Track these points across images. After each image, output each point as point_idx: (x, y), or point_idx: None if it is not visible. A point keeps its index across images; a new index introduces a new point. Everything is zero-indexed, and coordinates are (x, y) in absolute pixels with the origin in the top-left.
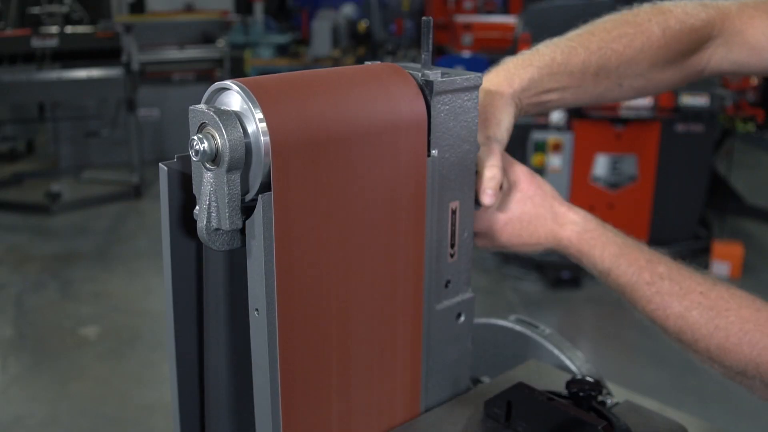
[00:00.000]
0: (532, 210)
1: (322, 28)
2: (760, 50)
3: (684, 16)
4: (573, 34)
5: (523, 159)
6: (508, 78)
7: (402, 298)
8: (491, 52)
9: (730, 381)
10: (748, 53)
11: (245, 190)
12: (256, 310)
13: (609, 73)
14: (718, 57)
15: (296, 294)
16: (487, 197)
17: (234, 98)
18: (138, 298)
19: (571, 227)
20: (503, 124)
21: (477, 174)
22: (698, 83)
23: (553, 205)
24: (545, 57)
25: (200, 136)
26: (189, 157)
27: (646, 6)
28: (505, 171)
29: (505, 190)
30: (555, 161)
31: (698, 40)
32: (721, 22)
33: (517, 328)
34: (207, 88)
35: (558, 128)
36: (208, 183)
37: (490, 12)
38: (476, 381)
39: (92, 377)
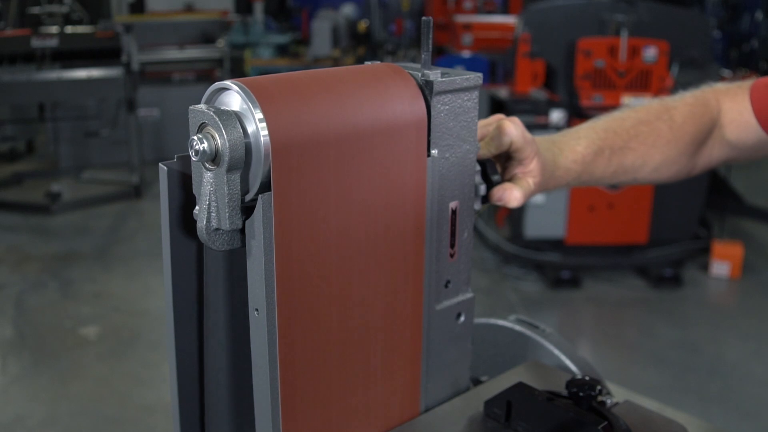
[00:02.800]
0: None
1: (322, 28)
2: (746, 125)
3: (686, 109)
4: (601, 129)
5: None
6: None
7: (402, 298)
8: (491, 52)
9: (730, 381)
10: (738, 131)
11: (245, 190)
12: (256, 310)
13: (626, 170)
14: (718, 141)
15: (296, 294)
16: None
17: (234, 98)
18: (138, 298)
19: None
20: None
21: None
22: (697, 82)
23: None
24: (578, 163)
25: (200, 136)
26: (189, 157)
27: (654, 102)
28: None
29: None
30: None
31: (703, 129)
32: (717, 105)
33: (517, 328)
34: (207, 88)
35: (558, 128)
36: (208, 183)
37: (490, 12)
38: (476, 381)
39: (92, 377)
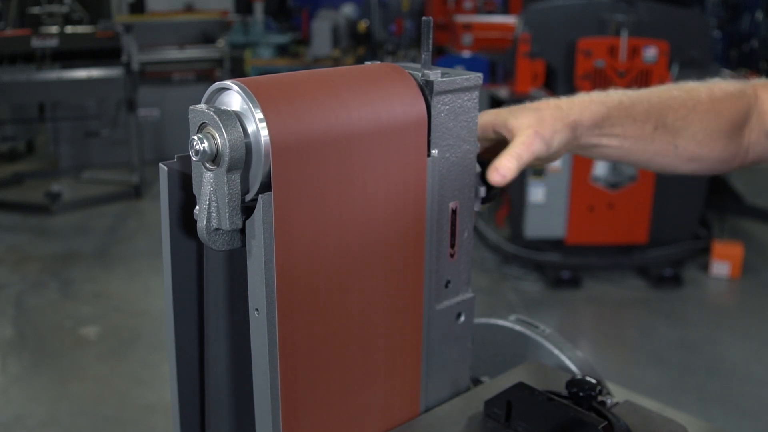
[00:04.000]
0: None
1: (322, 28)
2: None
3: (724, 85)
4: (632, 91)
5: None
6: (581, 109)
7: (402, 298)
8: (491, 52)
9: (730, 381)
10: None
11: (245, 190)
12: (256, 310)
13: (666, 127)
14: (756, 133)
15: (296, 294)
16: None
17: (234, 98)
18: (138, 298)
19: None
20: (556, 138)
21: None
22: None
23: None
24: (614, 99)
25: (200, 136)
26: (189, 157)
27: (690, 81)
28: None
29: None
30: (555, 161)
31: (741, 110)
32: (754, 95)
33: (517, 328)
34: (207, 88)
35: None
36: (208, 183)
37: (490, 12)
38: (476, 381)
39: (92, 377)
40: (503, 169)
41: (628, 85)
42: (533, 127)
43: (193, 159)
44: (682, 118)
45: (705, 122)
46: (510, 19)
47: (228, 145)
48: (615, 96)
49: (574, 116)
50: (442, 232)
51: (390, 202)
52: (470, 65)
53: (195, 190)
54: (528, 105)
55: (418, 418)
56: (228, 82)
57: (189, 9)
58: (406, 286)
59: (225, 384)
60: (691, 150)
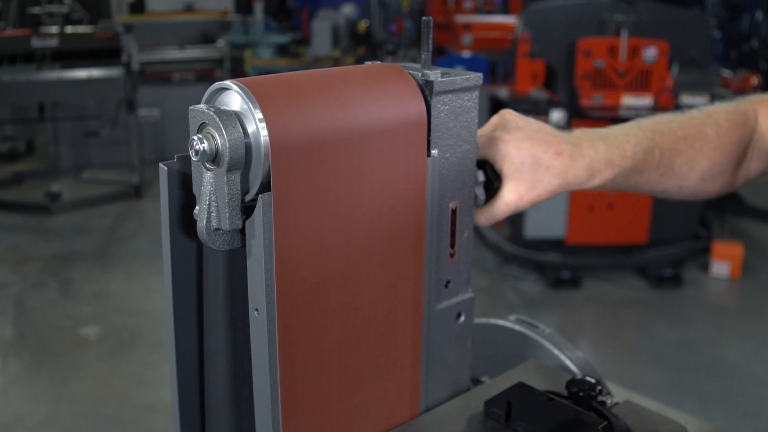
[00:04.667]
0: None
1: (322, 28)
2: None
3: (728, 116)
4: (649, 128)
5: None
6: (588, 176)
7: (402, 298)
8: (491, 52)
9: (730, 381)
10: None
11: (245, 190)
12: (256, 310)
13: (674, 173)
14: (756, 152)
15: (296, 294)
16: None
17: (234, 98)
18: (138, 298)
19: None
20: (537, 202)
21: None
22: (697, 82)
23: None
24: (628, 162)
25: (200, 136)
26: (189, 157)
27: (694, 111)
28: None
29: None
30: None
31: (745, 137)
32: (755, 116)
33: (517, 328)
34: (207, 88)
35: (558, 128)
36: (208, 183)
37: (490, 12)
38: (476, 381)
39: (92, 377)
40: (479, 221)
41: (628, 85)
42: (519, 192)
43: (193, 159)
44: (690, 160)
45: (711, 161)
46: (510, 19)
47: (228, 145)
48: (631, 150)
49: (573, 186)
50: (442, 232)
51: (390, 202)
52: (470, 65)
53: (195, 190)
54: (543, 152)
55: (418, 418)
56: (228, 82)
57: (189, 9)
58: (406, 286)
59: (225, 384)
60: (694, 188)
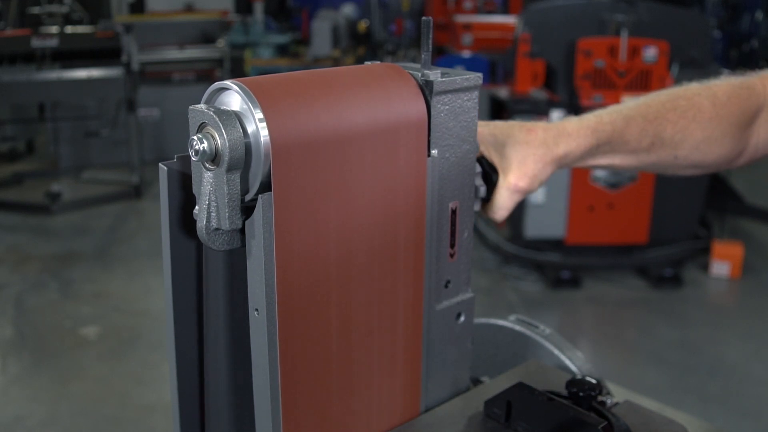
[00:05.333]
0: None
1: (322, 28)
2: None
3: (730, 89)
4: (632, 104)
5: None
6: (568, 141)
7: (402, 298)
8: (491, 52)
9: (730, 381)
10: None
11: (245, 190)
12: (256, 310)
13: (664, 142)
14: (766, 127)
15: (296, 294)
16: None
17: (234, 98)
18: (138, 298)
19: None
20: (537, 180)
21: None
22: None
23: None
24: (606, 123)
25: (200, 136)
26: (189, 157)
27: (694, 84)
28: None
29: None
30: None
31: (748, 110)
32: (763, 90)
33: (517, 328)
34: (207, 88)
35: None
36: (207, 183)
37: (490, 12)
38: (476, 381)
39: (92, 377)
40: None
41: (628, 85)
42: (513, 171)
43: (193, 159)
44: (682, 129)
45: (707, 131)
46: (510, 19)
47: (228, 145)
48: (608, 117)
49: (560, 151)
50: (442, 232)
51: (390, 202)
52: (470, 65)
53: (195, 190)
54: (517, 131)
55: (418, 418)
56: (228, 82)
57: (189, 9)
58: (406, 286)
59: (225, 384)
60: (692, 158)
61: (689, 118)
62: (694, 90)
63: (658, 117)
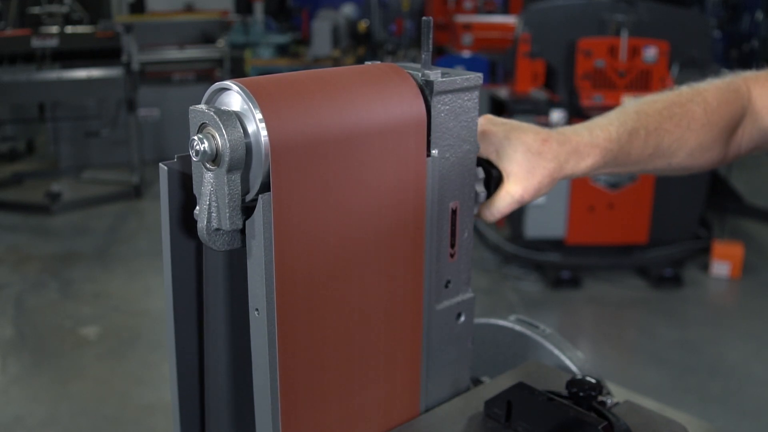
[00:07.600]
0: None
1: (322, 28)
2: None
3: (719, 93)
4: (633, 112)
5: None
6: (577, 160)
7: (402, 298)
8: (491, 52)
9: (731, 381)
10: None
11: (245, 190)
12: (256, 310)
13: (662, 152)
14: (749, 129)
15: (296, 294)
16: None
17: (234, 98)
18: (138, 298)
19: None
20: (540, 193)
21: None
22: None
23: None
24: (614, 145)
25: (200, 136)
26: (189, 157)
27: (684, 88)
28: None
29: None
30: None
31: (735, 114)
32: (748, 92)
33: (517, 328)
34: (207, 88)
35: (558, 128)
36: (208, 183)
37: (490, 12)
38: (476, 381)
39: (92, 377)
40: (486, 218)
41: (628, 85)
42: (520, 182)
43: (194, 159)
44: (678, 139)
45: (700, 138)
46: (510, 19)
47: (228, 145)
48: (615, 133)
49: (569, 170)
50: (442, 232)
51: (390, 202)
52: (470, 65)
53: (195, 191)
54: (531, 138)
55: (418, 418)
56: (228, 83)
57: (189, 9)
58: (406, 286)
59: (225, 384)
60: (684, 164)
61: (684, 126)
62: (687, 96)
63: (658, 128)
